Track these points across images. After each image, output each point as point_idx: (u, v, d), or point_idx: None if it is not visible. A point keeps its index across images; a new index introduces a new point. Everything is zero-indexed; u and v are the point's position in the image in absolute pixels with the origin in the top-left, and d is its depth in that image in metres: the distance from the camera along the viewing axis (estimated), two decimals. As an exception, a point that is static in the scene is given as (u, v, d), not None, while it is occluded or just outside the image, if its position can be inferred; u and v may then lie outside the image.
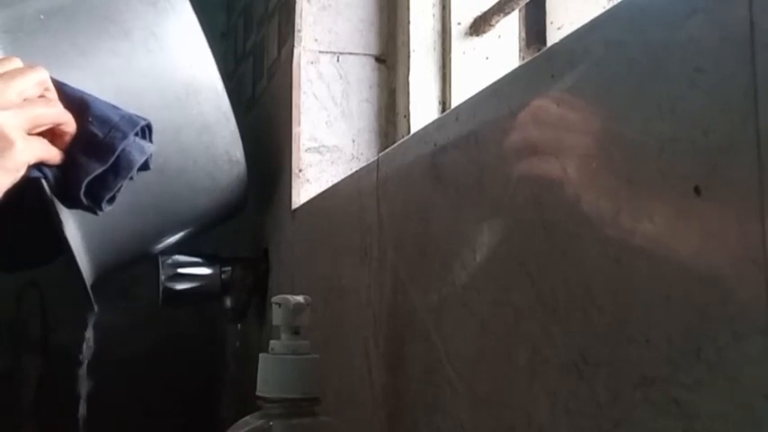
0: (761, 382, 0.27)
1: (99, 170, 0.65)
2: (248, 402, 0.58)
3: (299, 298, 0.57)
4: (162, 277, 1.04)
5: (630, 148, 0.34)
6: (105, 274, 0.91)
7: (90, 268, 0.86)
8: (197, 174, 0.92)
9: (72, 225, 0.80)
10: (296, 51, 0.95)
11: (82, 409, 0.99)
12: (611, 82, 0.36)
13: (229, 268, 1.08)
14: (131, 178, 0.68)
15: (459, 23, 0.86)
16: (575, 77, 0.38)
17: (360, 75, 0.96)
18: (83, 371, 0.98)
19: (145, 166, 0.69)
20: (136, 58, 0.84)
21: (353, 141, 0.95)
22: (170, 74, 0.87)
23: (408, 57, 0.89)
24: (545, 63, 0.41)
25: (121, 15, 0.85)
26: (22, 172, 0.58)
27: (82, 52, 0.82)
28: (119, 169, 0.66)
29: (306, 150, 0.95)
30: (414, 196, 0.57)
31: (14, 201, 0.59)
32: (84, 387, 0.98)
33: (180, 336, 1.46)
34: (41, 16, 0.81)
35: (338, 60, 0.96)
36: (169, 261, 1.04)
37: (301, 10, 0.96)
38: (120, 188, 0.68)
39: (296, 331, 0.57)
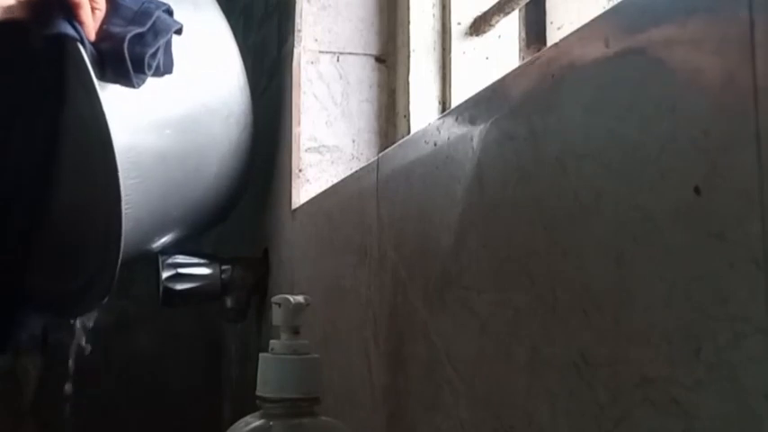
0: (761, 382, 0.27)
1: (138, 30, 0.72)
2: (248, 402, 0.58)
3: (299, 298, 0.57)
4: (162, 277, 1.04)
5: (630, 148, 0.34)
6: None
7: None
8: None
9: None
10: (296, 51, 0.95)
11: (81, 409, 0.99)
12: (611, 82, 0.36)
13: (229, 268, 1.08)
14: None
15: (459, 23, 0.86)
16: (575, 77, 0.38)
17: (360, 75, 0.96)
18: (82, 371, 0.97)
19: (168, 68, 0.77)
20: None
21: (353, 141, 0.95)
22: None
23: (408, 57, 0.89)
24: (545, 63, 0.41)
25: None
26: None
27: None
28: (157, 30, 0.74)
29: (306, 150, 0.95)
30: (414, 196, 0.57)
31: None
32: (83, 387, 0.98)
33: (180, 336, 1.46)
34: None
35: (338, 60, 0.96)
36: (169, 261, 1.04)
37: (301, 10, 0.96)
38: (158, 50, 0.75)
39: (296, 331, 0.57)
